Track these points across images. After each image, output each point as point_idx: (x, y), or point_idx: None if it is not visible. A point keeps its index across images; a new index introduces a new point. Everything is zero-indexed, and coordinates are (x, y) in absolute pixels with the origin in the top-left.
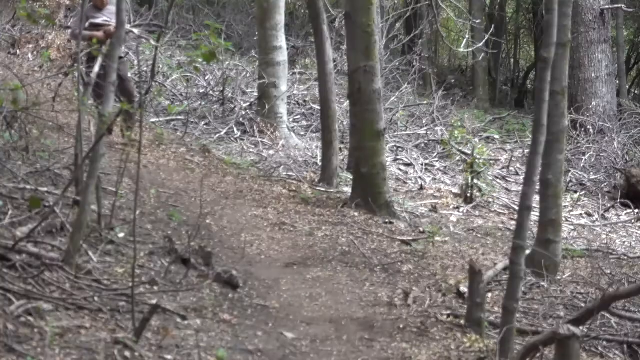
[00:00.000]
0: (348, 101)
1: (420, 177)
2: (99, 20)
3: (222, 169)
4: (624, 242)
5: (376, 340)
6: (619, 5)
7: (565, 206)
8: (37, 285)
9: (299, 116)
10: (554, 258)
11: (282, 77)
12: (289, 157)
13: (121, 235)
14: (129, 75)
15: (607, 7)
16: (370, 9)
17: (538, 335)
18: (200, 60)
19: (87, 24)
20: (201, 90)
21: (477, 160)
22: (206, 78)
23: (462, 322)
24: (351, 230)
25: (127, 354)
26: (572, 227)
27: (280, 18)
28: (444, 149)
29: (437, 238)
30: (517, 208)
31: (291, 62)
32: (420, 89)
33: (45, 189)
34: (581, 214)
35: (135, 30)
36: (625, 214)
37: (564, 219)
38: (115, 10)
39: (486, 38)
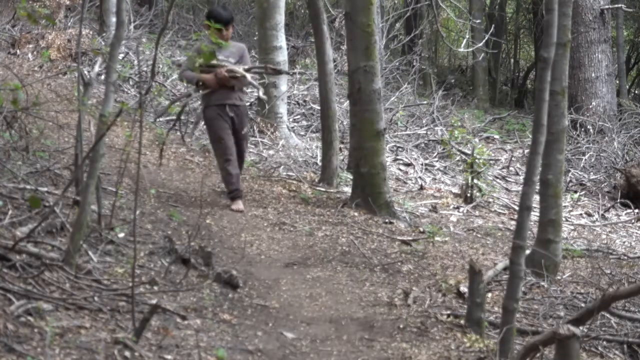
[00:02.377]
0: (348, 101)
1: (420, 177)
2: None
3: None
4: (624, 242)
5: (376, 340)
6: (619, 5)
7: (565, 206)
8: (37, 285)
9: (299, 116)
10: (554, 258)
11: (282, 77)
12: (289, 157)
13: (121, 235)
14: (247, 128)
15: (607, 7)
16: (370, 9)
17: (538, 335)
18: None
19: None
20: (201, 91)
21: (477, 160)
22: None
23: (462, 322)
24: (351, 230)
25: (127, 354)
26: (572, 227)
27: (280, 18)
28: (444, 149)
29: (437, 238)
30: (517, 208)
31: (291, 62)
32: (420, 89)
33: (45, 189)
34: (581, 214)
35: (249, 76)
36: (625, 214)
37: (564, 219)
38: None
39: (486, 38)
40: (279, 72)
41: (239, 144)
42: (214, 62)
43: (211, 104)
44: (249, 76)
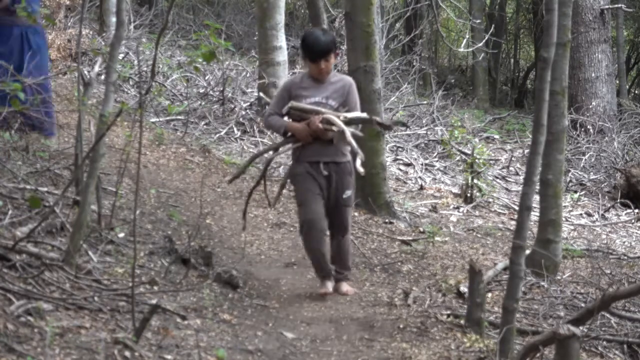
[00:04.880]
0: None
1: (420, 177)
2: (307, 102)
3: (222, 169)
4: (624, 242)
5: (376, 340)
6: (619, 5)
7: (565, 206)
8: (37, 285)
9: None
10: (554, 258)
11: (282, 77)
12: (289, 157)
13: (121, 235)
14: (351, 192)
15: (607, 7)
16: (370, 8)
17: (538, 335)
18: (200, 60)
19: (287, 107)
20: (201, 90)
21: (477, 160)
22: (206, 78)
23: (462, 322)
24: (351, 230)
25: (127, 354)
26: (572, 227)
27: (280, 18)
28: (444, 149)
29: (437, 238)
30: (517, 208)
31: (291, 62)
32: (420, 89)
33: (45, 189)
34: (581, 214)
35: (348, 132)
36: (625, 214)
37: (564, 219)
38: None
39: (486, 38)
40: (387, 128)
41: (336, 213)
42: (306, 105)
43: (301, 160)
44: (348, 132)
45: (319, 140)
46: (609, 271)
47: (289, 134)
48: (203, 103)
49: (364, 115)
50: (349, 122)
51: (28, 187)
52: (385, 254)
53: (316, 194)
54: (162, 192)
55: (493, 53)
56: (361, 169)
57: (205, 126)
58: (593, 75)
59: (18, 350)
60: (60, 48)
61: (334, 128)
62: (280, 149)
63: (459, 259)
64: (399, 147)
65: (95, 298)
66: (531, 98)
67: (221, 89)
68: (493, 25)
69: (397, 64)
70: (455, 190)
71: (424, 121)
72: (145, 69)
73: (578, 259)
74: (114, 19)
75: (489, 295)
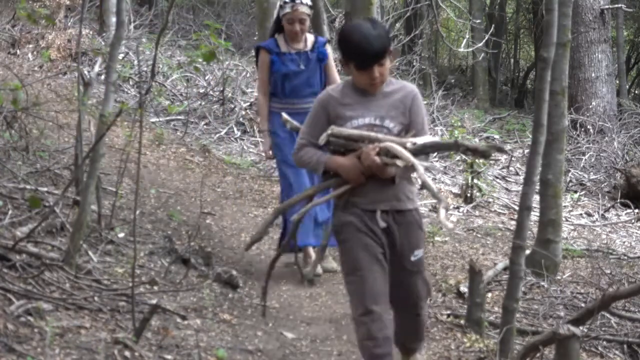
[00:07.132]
0: None
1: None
2: (354, 126)
3: (222, 169)
4: (624, 242)
5: None
6: (619, 5)
7: (565, 206)
8: (37, 285)
9: None
10: (554, 258)
11: None
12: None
13: (121, 235)
14: (421, 253)
15: (607, 7)
16: (370, 8)
17: (538, 335)
18: (200, 60)
19: (325, 135)
20: (201, 90)
21: (477, 160)
22: (206, 78)
23: (462, 322)
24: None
25: (127, 354)
26: (572, 227)
27: None
28: None
29: (437, 238)
30: (517, 208)
31: None
32: (420, 89)
33: (45, 189)
34: (581, 214)
35: (421, 168)
36: (625, 214)
37: (564, 219)
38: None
39: (486, 38)
40: (482, 155)
41: (402, 283)
42: (354, 131)
43: (350, 207)
44: (421, 167)
45: (374, 179)
46: (609, 271)
47: (332, 172)
48: (203, 103)
49: (446, 139)
50: (419, 151)
51: (28, 187)
52: None
53: (374, 257)
54: (162, 192)
55: (493, 53)
56: (449, 224)
57: (205, 126)
58: (593, 75)
59: (18, 350)
60: (60, 48)
61: (398, 162)
62: (316, 198)
63: (459, 259)
64: None
65: (95, 298)
66: (531, 98)
67: (221, 89)
68: (493, 25)
69: (397, 64)
70: (455, 190)
71: None
72: (145, 69)
73: (578, 259)
74: (114, 19)
75: (489, 295)
